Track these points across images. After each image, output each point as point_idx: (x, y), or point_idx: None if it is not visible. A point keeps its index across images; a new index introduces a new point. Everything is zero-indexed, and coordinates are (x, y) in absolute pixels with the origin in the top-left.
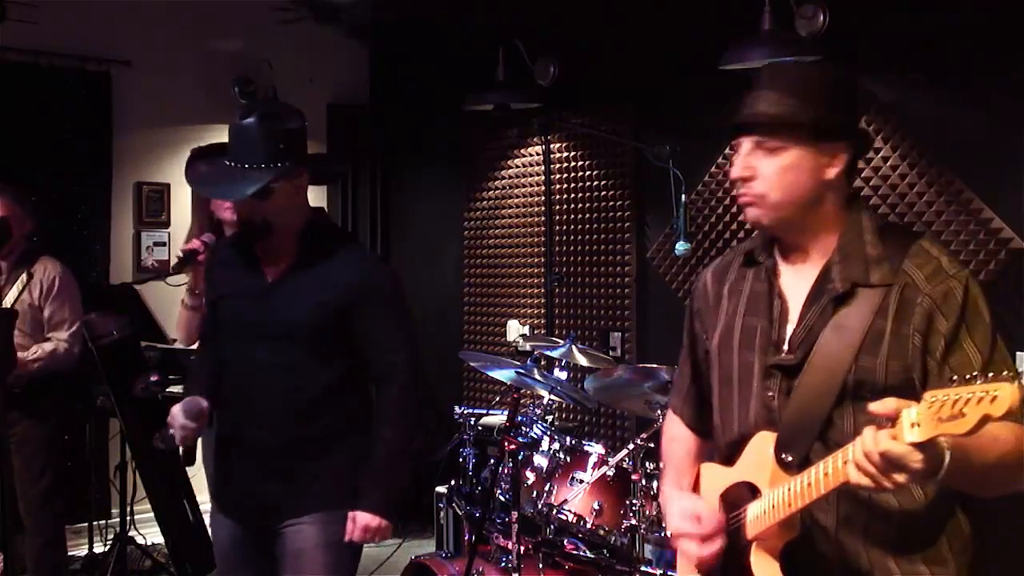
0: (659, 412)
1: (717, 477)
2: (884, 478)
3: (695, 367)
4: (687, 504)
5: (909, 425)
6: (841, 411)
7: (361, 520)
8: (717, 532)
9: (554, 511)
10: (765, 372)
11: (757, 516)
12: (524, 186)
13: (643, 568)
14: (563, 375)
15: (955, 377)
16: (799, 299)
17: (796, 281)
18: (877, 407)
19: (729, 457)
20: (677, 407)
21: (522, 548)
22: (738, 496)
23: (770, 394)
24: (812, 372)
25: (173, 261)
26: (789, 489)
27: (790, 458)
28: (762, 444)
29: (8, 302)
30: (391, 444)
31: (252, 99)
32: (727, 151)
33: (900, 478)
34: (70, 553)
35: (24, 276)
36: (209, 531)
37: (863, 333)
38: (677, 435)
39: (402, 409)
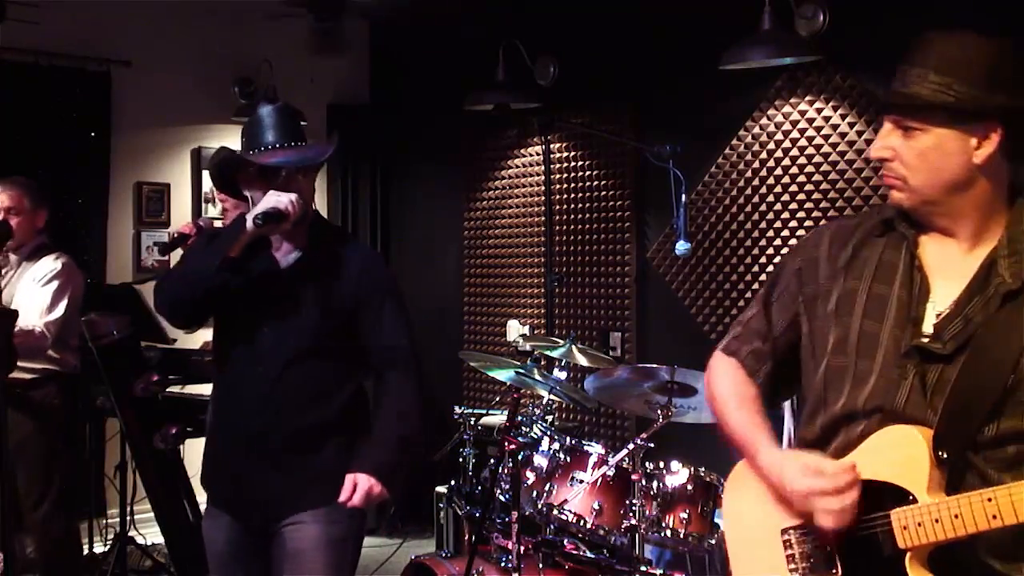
0: (659, 412)
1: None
2: None
3: (771, 322)
4: (808, 460)
5: None
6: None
7: (362, 483)
8: (851, 484)
9: (554, 511)
10: (906, 352)
11: (920, 525)
12: (524, 186)
13: (643, 568)
14: (563, 375)
15: None
16: (947, 280)
17: (941, 260)
18: None
19: (826, 437)
20: (749, 364)
21: (522, 548)
22: (869, 495)
23: (908, 376)
24: (973, 369)
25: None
26: (968, 510)
27: (945, 455)
28: (907, 440)
29: (7, 297)
30: (399, 424)
31: (252, 99)
32: (727, 151)
33: None
34: None
35: (31, 269)
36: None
37: None
38: (749, 393)
39: (409, 393)
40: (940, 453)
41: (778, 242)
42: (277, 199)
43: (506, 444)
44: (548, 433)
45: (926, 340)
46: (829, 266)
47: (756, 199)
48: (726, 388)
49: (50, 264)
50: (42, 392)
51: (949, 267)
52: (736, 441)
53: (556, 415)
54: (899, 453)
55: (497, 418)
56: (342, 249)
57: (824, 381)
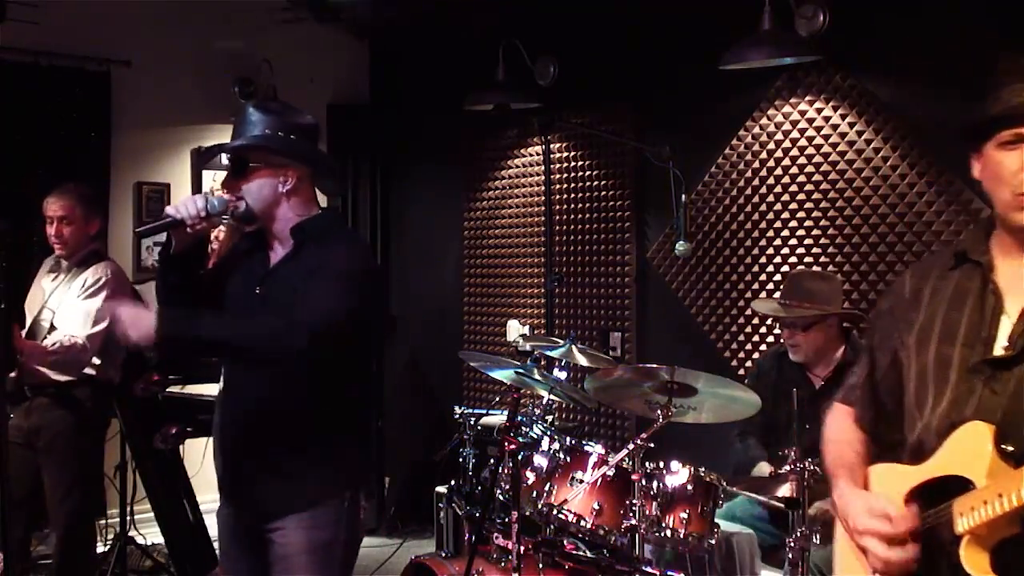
0: (659, 412)
1: (898, 477)
2: None
3: (874, 367)
4: (876, 504)
5: None
6: None
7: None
8: (907, 536)
9: (554, 511)
10: (973, 368)
11: (974, 508)
12: (524, 186)
13: (643, 568)
14: (563, 375)
15: None
16: (1018, 295)
17: (1015, 279)
18: None
19: (917, 456)
20: (858, 413)
21: (522, 548)
22: (938, 491)
23: (977, 389)
24: None
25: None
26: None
27: (1011, 448)
28: (973, 435)
29: (54, 302)
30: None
31: (252, 99)
32: (727, 151)
33: None
34: None
35: (79, 275)
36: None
37: None
38: (848, 438)
39: (260, 326)
40: (1004, 446)
41: (778, 242)
42: (171, 207)
43: (506, 444)
44: (548, 433)
45: (1001, 353)
46: (911, 302)
47: (756, 199)
48: (828, 431)
49: (96, 274)
50: (79, 392)
51: (1022, 284)
52: (827, 478)
53: (556, 415)
54: (965, 446)
55: (497, 418)
56: (328, 247)
57: (914, 408)
